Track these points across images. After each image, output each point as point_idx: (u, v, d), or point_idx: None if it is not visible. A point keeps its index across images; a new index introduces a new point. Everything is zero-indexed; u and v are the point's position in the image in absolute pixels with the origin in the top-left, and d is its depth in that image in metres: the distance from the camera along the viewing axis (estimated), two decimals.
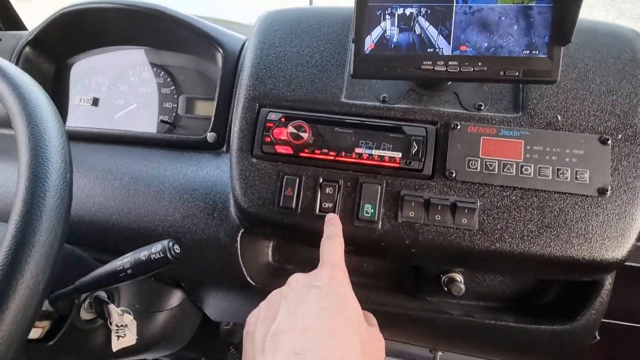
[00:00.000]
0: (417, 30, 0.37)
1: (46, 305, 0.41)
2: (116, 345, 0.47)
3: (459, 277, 0.48)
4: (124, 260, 0.36)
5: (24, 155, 0.27)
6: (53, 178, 0.26)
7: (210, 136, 0.55)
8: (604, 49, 0.44)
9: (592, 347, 0.52)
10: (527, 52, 0.36)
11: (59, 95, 0.66)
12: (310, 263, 0.54)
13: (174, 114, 0.64)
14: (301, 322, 0.28)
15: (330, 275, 0.32)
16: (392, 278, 0.54)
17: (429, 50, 0.37)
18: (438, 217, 0.41)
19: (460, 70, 0.37)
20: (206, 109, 0.64)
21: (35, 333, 0.41)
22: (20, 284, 0.22)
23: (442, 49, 0.37)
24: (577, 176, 0.40)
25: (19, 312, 0.22)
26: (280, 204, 0.44)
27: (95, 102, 0.66)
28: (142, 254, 0.36)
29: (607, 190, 0.40)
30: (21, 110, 0.29)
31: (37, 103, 0.30)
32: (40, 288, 0.23)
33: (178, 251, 0.36)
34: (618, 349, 0.67)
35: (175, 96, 0.65)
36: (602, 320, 0.49)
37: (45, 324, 0.42)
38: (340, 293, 0.31)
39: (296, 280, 0.33)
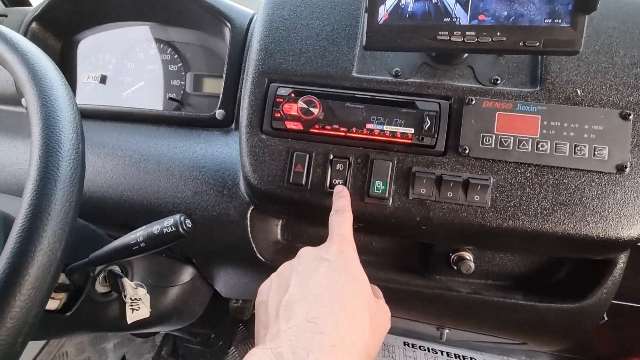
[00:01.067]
0: None
1: (62, 278, 0.42)
2: (131, 317, 0.49)
3: (468, 256, 0.48)
4: (137, 234, 0.37)
5: (36, 126, 0.27)
6: (66, 148, 0.26)
7: (219, 113, 0.54)
8: (630, 20, 0.41)
9: (599, 327, 0.52)
10: (549, 20, 0.34)
11: (67, 73, 0.66)
12: (318, 241, 0.53)
13: (182, 92, 0.64)
14: (313, 293, 0.29)
15: (340, 249, 0.33)
16: (400, 256, 0.54)
17: (445, 19, 0.36)
18: (450, 194, 0.41)
19: (477, 40, 0.36)
20: (214, 86, 0.63)
21: (53, 304, 0.42)
22: (39, 251, 0.22)
23: (459, 18, 0.36)
24: (596, 152, 0.39)
25: (38, 277, 0.22)
26: (290, 181, 0.43)
27: (103, 79, 0.65)
28: (155, 227, 0.36)
29: (626, 167, 0.39)
30: (31, 81, 0.29)
31: (47, 74, 0.29)
32: (57, 255, 0.23)
33: (190, 225, 0.36)
34: (626, 329, 0.67)
35: (183, 73, 0.64)
36: (614, 301, 0.48)
37: (62, 296, 0.43)
38: (350, 266, 0.32)
39: (306, 253, 0.34)
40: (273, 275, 0.34)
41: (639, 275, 0.53)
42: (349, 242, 0.35)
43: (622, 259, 0.44)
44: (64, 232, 0.24)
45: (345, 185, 0.43)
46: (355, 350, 0.27)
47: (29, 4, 0.86)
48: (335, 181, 0.43)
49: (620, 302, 0.60)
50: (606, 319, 0.51)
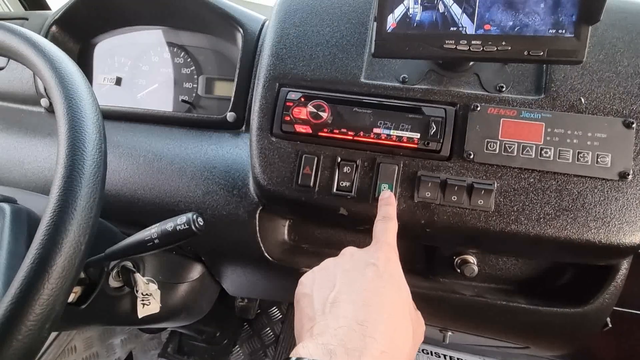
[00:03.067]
0: (441, 9, 0.37)
1: None
2: (141, 312, 0.50)
3: (472, 259, 0.49)
4: (152, 231, 0.38)
5: (62, 126, 0.28)
6: (90, 148, 0.28)
7: (230, 116, 0.56)
8: (634, 30, 0.42)
9: (603, 334, 0.52)
10: (553, 31, 0.35)
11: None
12: (324, 243, 0.55)
13: (194, 94, 0.65)
14: (361, 296, 0.29)
15: (387, 256, 0.34)
16: (405, 259, 0.54)
17: (452, 29, 0.37)
18: (454, 198, 0.42)
19: (483, 49, 0.37)
20: (225, 89, 0.65)
21: (69, 297, 0.44)
22: (65, 243, 0.24)
23: (466, 27, 0.37)
24: (599, 160, 0.40)
25: (65, 268, 0.24)
26: (299, 182, 0.45)
27: (118, 81, 0.67)
28: (169, 225, 0.38)
29: (628, 174, 0.39)
30: (58, 84, 0.30)
31: (72, 78, 0.31)
32: (82, 248, 0.25)
33: (202, 223, 0.38)
34: (630, 337, 0.67)
35: (195, 76, 0.66)
36: (616, 308, 0.49)
37: (78, 289, 0.45)
38: (395, 275, 0.32)
39: (351, 253, 0.35)
40: (316, 269, 0.34)
41: None
42: (394, 250, 0.35)
43: (625, 265, 0.45)
44: (87, 226, 0.26)
45: (352, 187, 0.44)
46: (401, 357, 0.27)
47: (48, 8, 0.89)
48: (342, 183, 0.44)
49: (625, 310, 0.60)
50: (610, 325, 0.51)
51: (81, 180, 0.26)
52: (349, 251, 0.35)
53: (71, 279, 0.25)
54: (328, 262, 0.35)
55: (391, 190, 0.43)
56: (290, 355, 0.25)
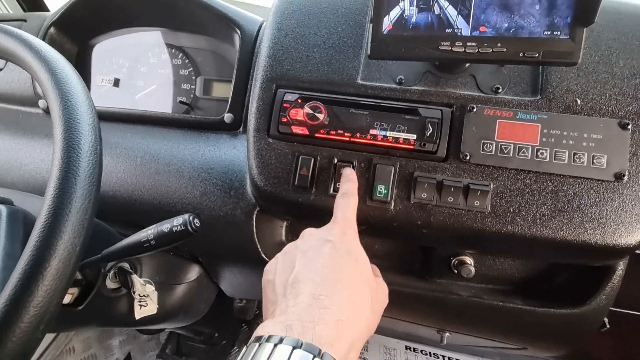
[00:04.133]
0: (436, 10, 0.37)
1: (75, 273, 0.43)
2: (139, 313, 0.50)
3: (468, 260, 0.49)
4: (148, 232, 0.38)
5: (58, 128, 0.29)
6: (85, 150, 0.28)
7: (228, 117, 0.56)
8: (629, 31, 0.42)
9: (601, 335, 0.52)
10: (549, 32, 0.36)
11: (82, 76, 0.67)
12: None
13: (192, 95, 0.65)
14: (318, 272, 0.31)
15: (343, 230, 0.35)
16: (402, 260, 0.55)
17: (447, 30, 0.37)
18: (450, 199, 0.42)
19: (478, 51, 0.37)
20: (223, 90, 0.65)
21: (65, 298, 0.44)
22: (60, 244, 0.24)
23: (461, 29, 0.37)
24: (594, 161, 0.40)
25: (59, 269, 0.24)
26: (296, 183, 0.45)
27: (116, 82, 0.68)
28: (165, 226, 0.38)
29: (624, 176, 0.39)
30: (54, 86, 0.31)
31: (68, 80, 0.31)
32: (76, 249, 0.25)
33: (198, 224, 0.38)
34: (628, 337, 0.67)
35: (193, 77, 0.66)
36: (613, 309, 0.49)
37: (75, 290, 0.45)
38: (352, 248, 0.34)
39: (310, 234, 0.36)
40: (278, 255, 0.36)
41: (638, 284, 0.54)
42: (352, 225, 0.37)
43: (621, 266, 0.45)
44: (82, 228, 0.26)
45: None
46: (359, 324, 0.29)
47: (46, 9, 0.89)
48: (339, 184, 0.44)
49: (622, 310, 0.60)
50: (608, 326, 0.51)
51: (76, 182, 0.26)
52: (307, 232, 0.37)
53: (66, 281, 0.25)
54: (289, 246, 0.36)
55: (387, 191, 0.43)
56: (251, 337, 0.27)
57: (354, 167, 0.44)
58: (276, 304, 0.30)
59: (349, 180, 0.41)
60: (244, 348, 0.26)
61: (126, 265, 0.48)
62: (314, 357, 0.24)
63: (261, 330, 0.27)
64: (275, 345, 0.24)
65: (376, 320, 0.33)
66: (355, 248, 0.35)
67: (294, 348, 0.24)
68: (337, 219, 0.37)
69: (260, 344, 0.25)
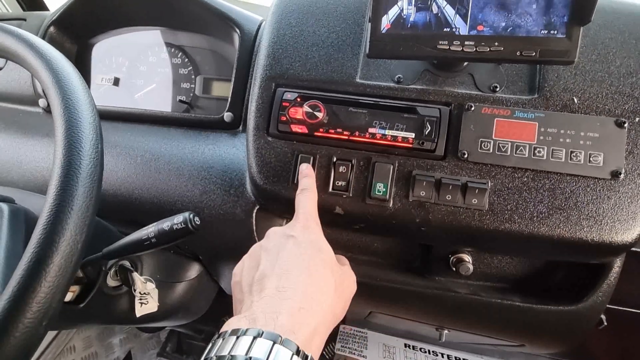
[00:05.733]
0: (434, 10, 0.37)
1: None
2: (139, 311, 0.50)
3: (467, 258, 0.49)
4: (149, 230, 0.39)
5: (59, 127, 0.29)
6: (86, 148, 0.28)
7: (227, 116, 0.56)
8: (626, 30, 0.43)
9: (599, 332, 0.53)
10: (545, 32, 0.36)
11: (82, 75, 0.68)
12: None
13: (192, 94, 0.66)
14: (282, 266, 0.31)
15: (304, 225, 0.36)
16: (401, 257, 0.55)
17: (445, 29, 0.38)
18: (449, 197, 0.42)
19: (476, 50, 0.37)
20: (222, 89, 0.65)
21: (67, 296, 0.44)
22: (62, 241, 0.24)
23: (459, 28, 0.37)
24: (591, 159, 0.40)
25: (61, 266, 0.24)
26: (295, 182, 0.45)
27: (116, 81, 0.68)
28: (165, 224, 0.38)
29: (620, 174, 0.40)
30: (55, 85, 0.31)
31: (69, 79, 0.32)
32: (78, 246, 0.25)
33: (198, 222, 0.38)
34: (625, 335, 0.68)
35: (193, 77, 0.66)
36: (611, 306, 0.49)
37: (76, 288, 0.45)
38: (314, 240, 0.35)
39: (274, 232, 0.37)
40: (245, 256, 0.37)
41: (636, 281, 0.54)
42: (313, 218, 0.38)
43: (618, 263, 0.45)
44: (84, 225, 0.26)
45: (347, 187, 0.44)
46: (322, 311, 0.30)
47: (46, 8, 0.89)
48: (338, 183, 0.44)
49: (620, 308, 0.61)
50: (606, 324, 0.52)
51: (78, 179, 0.26)
52: (272, 231, 0.37)
53: (68, 277, 0.25)
54: (254, 247, 0.37)
55: (386, 190, 0.43)
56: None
57: (352, 165, 0.44)
58: (242, 302, 0.31)
59: (306, 176, 0.42)
60: (209, 344, 0.26)
61: (127, 263, 0.49)
62: (274, 343, 0.24)
63: (226, 326, 0.27)
64: (238, 337, 0.25)
65: (342, 307, 0.34)
66: (318, 240, 0.35)
67: (254, 337, 0.24)
68: (298, 215, 0.38)
69: (224, 339, 0.26)
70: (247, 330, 0.25)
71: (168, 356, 1.01)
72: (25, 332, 0.23)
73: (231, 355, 0.24)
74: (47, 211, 0.25)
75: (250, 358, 0.23)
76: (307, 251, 0.33)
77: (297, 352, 0.25)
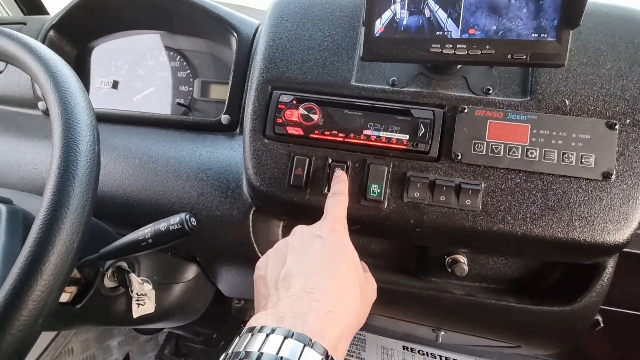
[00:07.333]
0: (427, 14, 0.38)
1: (74, 272, 0.44)
2: (136, 312, 0.51)
3: (462, 259, 0.50)
4: (145, 231, 0.39)
5: (57, 128, 0.29)
6: (83, 149, 0.28)
7: (225, 118, 0.57)
8: (617, 33, 0.43)
9: (596, 333, 0.53)
10: (536, 35, 0.36)
11: (81, 78, 0.68)
12: None
13: (190, 97, 0.66)
14: (308, 267, 0.32)
15: (332, 227, 0.36)
16: (397, 259, 0.56)
17: (437, 33, 0.38)
18: (442, 198, 0.43)
19: (468, 53, 0.38)
20: (220, 92, 0.66)
21: (64, 297, 0.45)
22: (58, 241, 0.25)
23: (451, 32, 0.38)
24: (583, 160, 0.41)
25: (57, 265, 0.25)
26: (291, 183, 0.46)
27: (115, 84, 0.68)
28: (162, 225, 0.38)
29: (611, 175, 0.40)
30: (53, 88, 0.31)
31: (67, 82, 0.32)
32: (74, 246, 0.26)
33: (194, 223, 0.39)
34: (620, 336, 0.68)
35: (191, 80, 0.67)
36: (608, 307, 0.49)
37: (73, 289, 0.45)
38: (341, 244, 0.35)
39: (300, 230, 0.37)
40: (270, 251, 0.37)
41: (632, 281, 0.55)
42: (342, 222, 0.38)
43: (611, 264, 0.45)
44: (80, 225, 0.26)
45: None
46: (347, 316, 0.30)
47: (46, 12, 0.90)
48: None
49: (616, 309, 0.61)
50: (602, 325, 0.52)
51: (74, 180, 0.27)
52: (298, 229, 0.37)
53: (64, 276, 0.26)
54: (280, 243, 0.37)
55: (381, 191, 0.44)
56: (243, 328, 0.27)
57: (347, 167, 0.45)
58: (268, 298, 0.31)
59: (340, 181, 0.42)
60: (237, 338, 0.27)
61: (124, 264, 0.49)
62: (305, 345, 0.25)
63: (254, 321, 0.27)
64: (268, 335, 0.25)
65: (365, 313, 0.34)
66: (345, 244, 0.35)
67: (285, 337, 0.25)
68: (327, 217, 0.38)
69: (252, 334, 0.26)
70: (276, 328, 0.25)
71: (166, 359, 1.01)
72: (21, 329, 0.23)
73: (261, 353, 0.24)
74: (43, 211, 0.25)
75: (282, 358, 0.24)
76: (334, 254, 0.33)
77: (326, 355, 0.25)
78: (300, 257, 0.33)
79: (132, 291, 0.49)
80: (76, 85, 0.33)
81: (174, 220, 0.38)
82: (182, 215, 0.38)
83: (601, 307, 0.48)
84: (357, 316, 0.32)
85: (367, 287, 0.36)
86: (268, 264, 0.35)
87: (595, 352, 0.74)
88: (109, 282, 0.48)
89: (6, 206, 0.36)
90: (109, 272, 0.48)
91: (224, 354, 0.26)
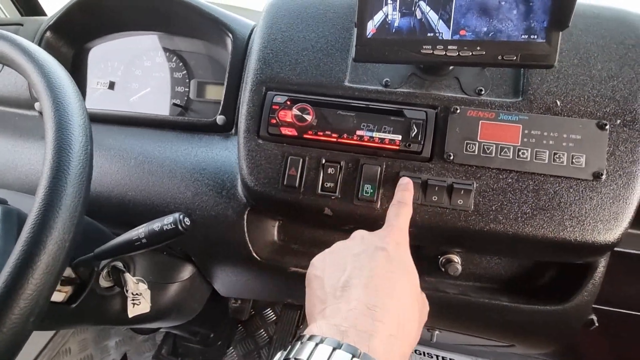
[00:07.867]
0: (418, 15, 0.38)
1: (69, 272, 0.44)
2: (132, 311, 0.51)
3: (456, 258, 0.50)
4: (139, 231, 0.39)
5: (50, 129, 0.30)
6: (76, 149, 0.29)
7: (220, 119, 0.57)
8: (608, 34, 0.44)
9: (590, 332, 0.53)
10: (526, 36, 0.37)
11: (78, 79, 0.69)
12: (313, 243, 0.56)
13: (186, 98, 0.67)
14: (372, 281, 0.30)
15: (397, 240, 0.34)
16: None
17: (429, 34, 0.38)
18: (435, 198, 0.43)
19: (459, 54, 0.38)
20: (216, 92, 0.66)
21: (59, 297, 0.45)
22: (50, 240, 0.25)
23: (442, 33, 0.38)
24: (573, 160, 0.41)
25: (49, 264, 0.25)
26: (285, 183, 0.46)
27: (111, 85, 0.69)
28: (156, 225, 0.39)
29: (602, 175, 0.40)
30: (46, 89, 0.32)
31: (60, 83, 0.32)
32: (66, 245, 0.26)
33: (188, 223, 0.39)
34: (616, 335, 0.68)
35: (187, 80, 0.67)
36: (602, 307, 0.50)
37: (68, 289, 0.46)
38: (404, 259, 0.33)
39: (362, 236, 0.35)
40: (326, 251, 0.35)
41: (627, 280, 0.55)
42: (405, 234, 0.36)
43: (602, 263, 0.46)
44: (72, 225, 0.27)
45: (336, 188, 0.45)
46: (408, 340, 0.29)
47: (44, 14, 0.90)
48: (326, 184, 0.45)
49: (610, 309, 0.61)
50: (597, 324, 0.52)
51: (66, 180, 0.27)
52: (359, 234, 0.36)
53: (55, 275, 0.26)
54: (338, 245, 0.35)
55: (373, 191, 0.44)
56: (304, 333, 0.27)
57: (341, 167, 0.45)
58: (325, 303, 0.30)
59: (405, 190, 0.40)
60: (297, 343, 0.26)
61: (119, 264, 0.49)
62: None
63: (315, 329, 0.27)
64: (334, 349, 0.24)
65: (417, 338, 0.32)
66: (408, 260, 0.34)
67: (353, 356, 0.24)
68: (390, 227, 0.36)
69: (317, 344, 0.25)
70: (342, 344, 0.25)
71: (163, 359, 1.01)
72: (12, 327, 0.24)
73: None
74: (35, 210, 0.25)
75: None
76: (398, 271, 0.31)
77: None
78: (362, 267, 0.31)
79: (127, 291, 0.49)
80: (70, 87, 0.33)
81: (167, 220, 0.38)
82: (176, 215, 0.39)
83: (596, 306, 0.49)
84: (413, 342, 0.30)
85: (423, 309, 0.34)
86: (325, 265, 0.33)
87: (591, 352, 0.74)
88: (104, 282, 0.49)
89: (1, 206, 0.36)
90: (104, 271, 0.48)
91: (279, 354, 0.25)
